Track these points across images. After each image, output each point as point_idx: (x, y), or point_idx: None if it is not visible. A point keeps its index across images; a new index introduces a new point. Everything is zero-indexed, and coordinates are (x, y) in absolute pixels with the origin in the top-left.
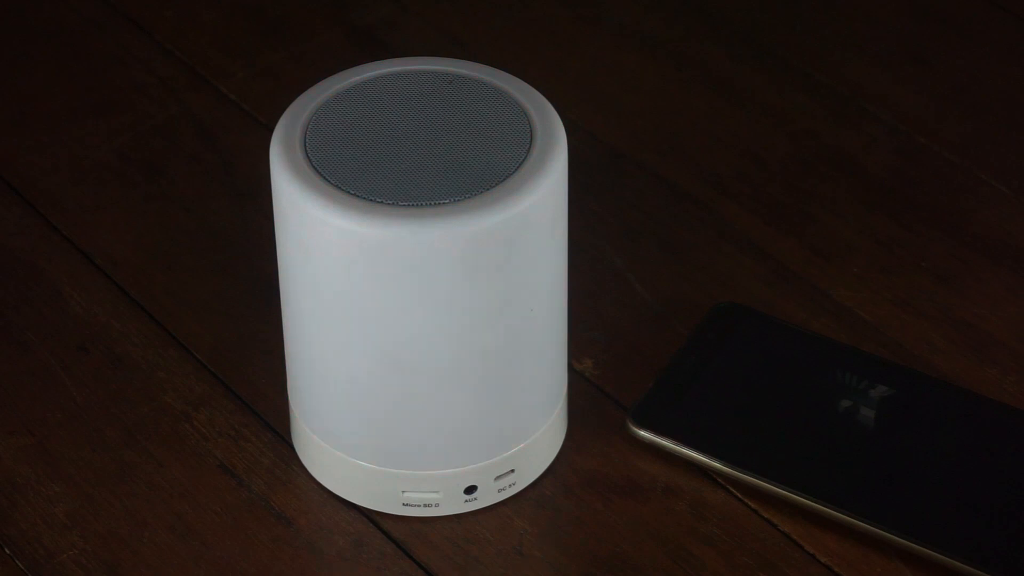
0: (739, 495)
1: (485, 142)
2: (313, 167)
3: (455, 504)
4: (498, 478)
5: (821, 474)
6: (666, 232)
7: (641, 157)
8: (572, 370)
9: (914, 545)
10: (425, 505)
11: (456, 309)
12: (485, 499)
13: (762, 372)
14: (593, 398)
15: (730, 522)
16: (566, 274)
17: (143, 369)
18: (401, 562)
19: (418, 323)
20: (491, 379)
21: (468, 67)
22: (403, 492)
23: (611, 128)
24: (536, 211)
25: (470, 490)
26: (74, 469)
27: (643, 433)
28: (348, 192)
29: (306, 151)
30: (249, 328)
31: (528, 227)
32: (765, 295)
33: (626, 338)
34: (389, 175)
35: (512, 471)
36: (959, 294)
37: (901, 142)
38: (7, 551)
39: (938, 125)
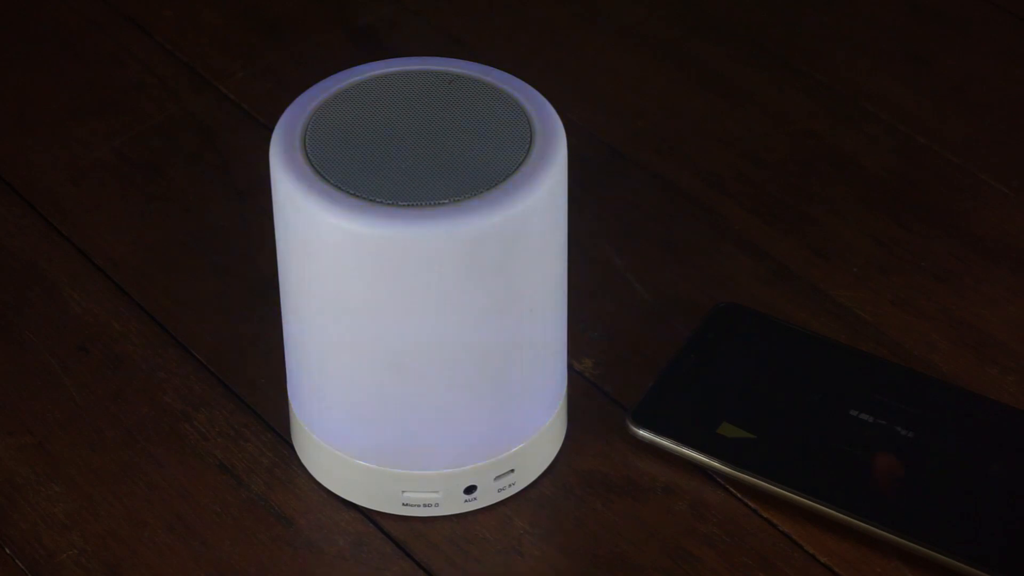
0: (739, 495)
1: (485, 142)
2: (313, 167)
3: (455, 504)
4: (498, 478)
5: (821, 474)
6: (666, 232)
7: (641, 157)
8: (572, 370)
9: (914, 545)
10: (425, 505)
11: (456, 309)
12: (485, 499)
13: (762, 372)
14: (593, 398)
15: (730, 522)
16: (566, 274)
17: (143, 369)
18: (401, 562)
19: (418, 323)
20: (491, 379)
21: (468, 67)
22: (403, 492)
23: (611, 128)
24: (536, 211)
25: (470, 490)
26: (74, 469)
27: (643, 433)
28: (348, 192)
29: (306, 151)
30: (249, 328)
31: (528, 227)
32: (765, 295)
33: (626, 338)
34: (389, 175)
35: (512, 471)
36: (959, 294)
37: (901, 142)
38: (7, 551)
39: (938, 125)
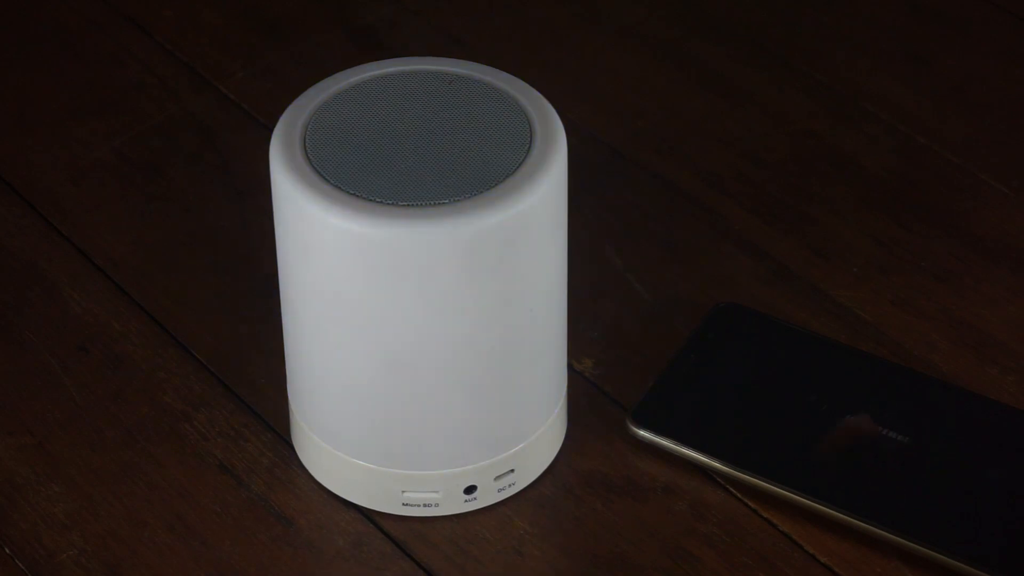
0: (739, 495)
1: (485, 142)
2: (313, 167)
3: (455, 504)
4: (498, 478)
5: (821, 474)
6: (666, 232)
7: (641, 157)
8: (572, 370)
9: (914, 545)
10: (425, 505)
11: (456, 309)
12: (485, 499)
13: (762, 372)
14: (593, 398)
15: (730, 522)
16: (566, 274)
17: (143, 369)
18: (401, 562)
19: (418, 323)
20: (491, 379)
21: (468, 67)
22: (403, 492)
23: (611, 128)
24: (536, 211)
25: (470, 490)
26: (74, 469)
27: (643, 433)
28: (348, 192)
29: (306, 151)
30: (249, 328)
31: (528, 227)
32: (765, 295)
33: (626, 338)
34: (389, 175)
35: (512, 471)
36: (959, 294)
37: (901, 142)
38: (7, 551)
39: (938, 125)
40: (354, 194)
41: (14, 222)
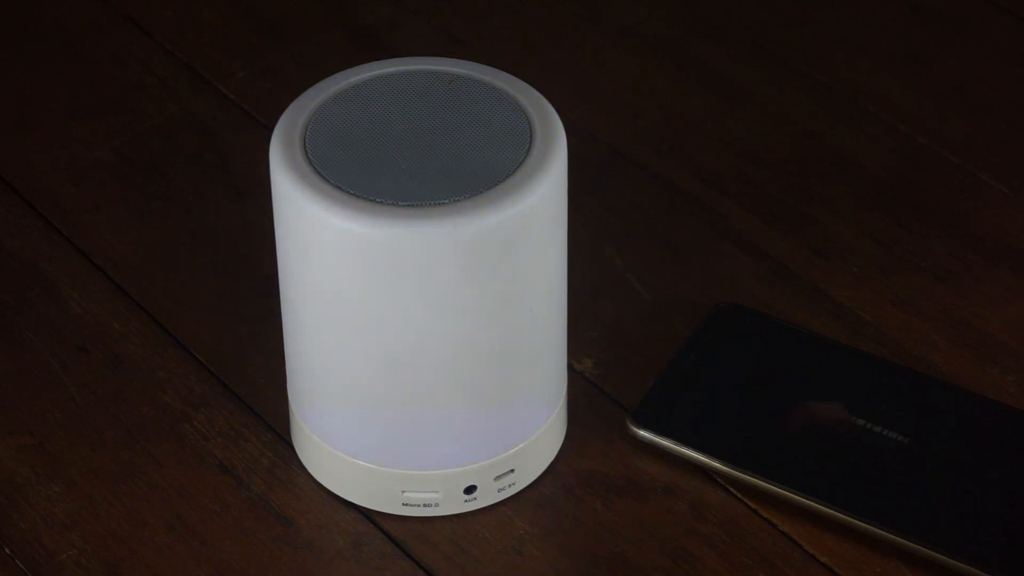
0: (739, 495)
1: (485, 142)
2: (313, 167)
3: (455, 504)
4: (498, 478)
5: (821, 474)
6: (666, 232)
7: (641, 157)
8: (572, 370)
9: (914, 545)
10: (425, 505)
11: (456, 309)
12: (485, 499)
13: (762, 372)
14: (593, 398)
15: (730, 522)
16: (566, 274)
17: (143, 369)
18: (401, 562)
19: (418, 323)
20: (491, 379)
21: (468, 67)
22: (403, 492)
23: (611, 128)
24: (536, 211)
25: (470, 490)
26: (74, 469)
27: (643, 433)
28: (348, 192)
29: (306, 151)
30: (249, 328)
31: (528, 227)
32: (765, 295)
33: (626, 338)
34: (389, 175)
35: (512, 471)
36: (959, 294)
37: (901, 142)
38: (7, 551)
39: (938, 125)
40: (354, 194)
41: (14, 222)
